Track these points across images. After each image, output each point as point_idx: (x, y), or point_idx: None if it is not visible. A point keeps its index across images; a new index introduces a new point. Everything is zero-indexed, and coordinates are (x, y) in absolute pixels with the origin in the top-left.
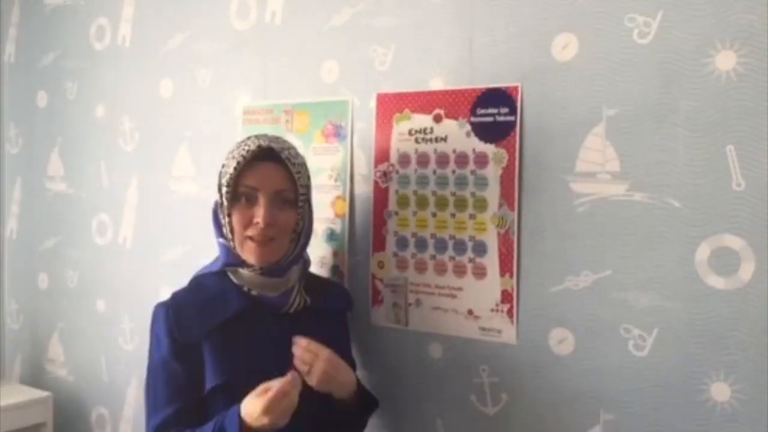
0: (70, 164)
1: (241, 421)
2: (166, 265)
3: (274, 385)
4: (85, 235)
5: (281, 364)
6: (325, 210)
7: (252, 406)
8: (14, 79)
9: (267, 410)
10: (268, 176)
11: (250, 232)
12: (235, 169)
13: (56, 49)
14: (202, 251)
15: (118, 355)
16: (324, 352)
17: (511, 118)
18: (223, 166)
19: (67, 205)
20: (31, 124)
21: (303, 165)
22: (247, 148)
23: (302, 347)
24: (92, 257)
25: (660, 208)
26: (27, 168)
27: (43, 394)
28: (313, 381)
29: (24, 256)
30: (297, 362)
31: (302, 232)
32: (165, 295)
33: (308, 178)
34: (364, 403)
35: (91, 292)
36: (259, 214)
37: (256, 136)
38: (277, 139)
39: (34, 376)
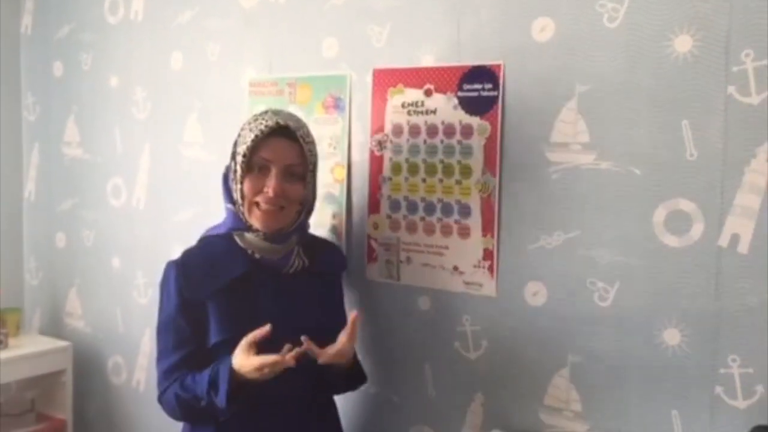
0: (86, 131)
1: (232, 370)
2: (177, 225)
3: (273, 357)
4: (101, 198)
5: (280, 320)
6: (326, 175)
7: (246, 362)
8: (31, 51)
9: (259, 370)
10: (282, 151)
11: (258, 199)
12: (253, 141)
13: (71, 22)
14: (211, 212)
15: (132, 308)
16: (338, 350)
17: (494, 93)
18: (239, 135)
19: (83, 170)
20: (48, 93)
21: (314, 144)
22: (265, 122)
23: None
24: (107, 218)
25: (623, 175)
26: (44, 134)
27: (63, 343)
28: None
29: (42, 217)
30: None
31: (307, 204)
32: (177, 253)
33: (316, 155)
34: (354, 374)
35: (107, 251)
36: (270, 185)
37: (274, 112)
38: (292, 116)
39: (53, 328)
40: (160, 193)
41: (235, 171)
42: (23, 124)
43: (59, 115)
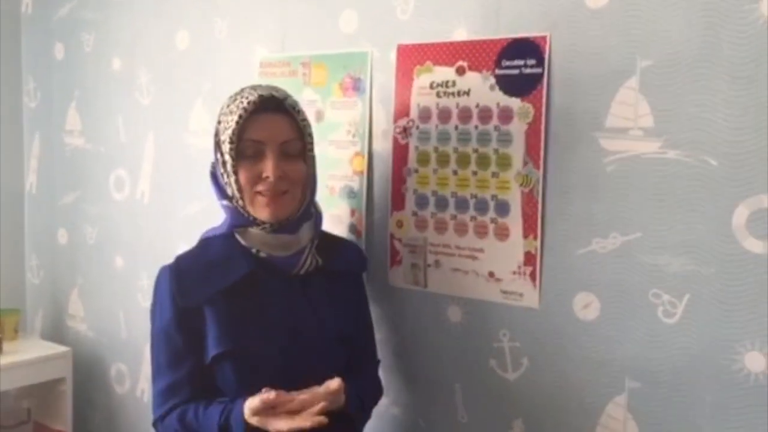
0: (88, 118)
1: (245, 424)
2: (183, 221)
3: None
4: (103, 191)
5: (291, 329)
6: (343, 167)
7: (261, 423)
8: (32, 31)
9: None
10: (273, 128)
11: (259, 188)
12: (237, 123)
13: None
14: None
15: (136, 311)
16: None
17: (538, 70)
18: (219, 122)
19: (85, 160)
20: (49, 77)
21: (305, 113)
22: (247, 99)
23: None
24: (110, 213)
25: (696, 166)
26: (45, 122)
27: (63, 349)
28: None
29: (44, 211)
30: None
31: (311, 183)
32: (182, 251)
33: (311, 126)
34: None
35: (110, 249)
36: (268, 169)
37: (252, 87)
38: (273, 87)
39: (55, 331)
40: (165, 186)
41: (224, 163)
42: (24, 112)
43: (61, 102)
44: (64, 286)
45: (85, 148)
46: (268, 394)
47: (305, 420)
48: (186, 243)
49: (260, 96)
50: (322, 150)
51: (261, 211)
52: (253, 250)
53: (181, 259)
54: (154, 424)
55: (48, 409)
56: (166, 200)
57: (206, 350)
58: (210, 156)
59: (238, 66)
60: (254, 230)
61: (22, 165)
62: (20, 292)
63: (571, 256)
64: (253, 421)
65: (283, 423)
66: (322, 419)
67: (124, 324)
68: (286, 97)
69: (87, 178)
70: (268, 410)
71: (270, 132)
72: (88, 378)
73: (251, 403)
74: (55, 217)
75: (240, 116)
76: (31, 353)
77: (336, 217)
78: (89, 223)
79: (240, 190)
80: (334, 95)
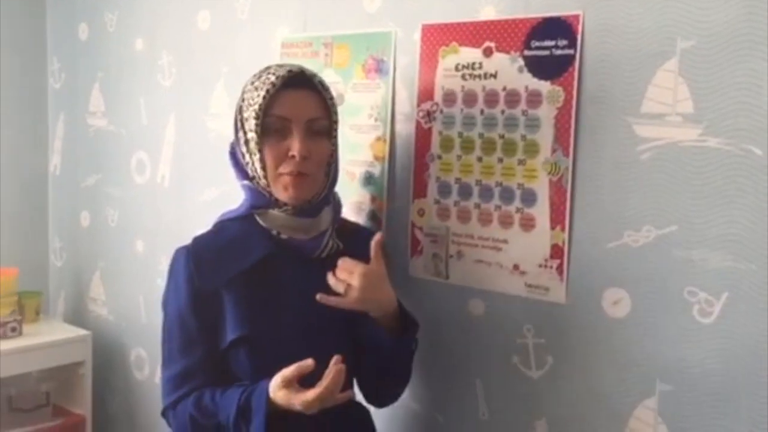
0: (111, 100)
1: (269, 399)
2: (203, 205)
3: (318, 389)
4: (125, 173)
5: (309, 311)
6: (364, 152)
7: (286, 398)
8: (56, 10)
9: (308, 407)
10: (300, 104)
11: (283, 170)
12: (264, 98)
13: None
14: (239, 193)
15: (156, 296)
16: (359, 268)
17: (570, 51)
18: (243, 100)
19: (108, 142)
20: (73, 57)
21: (332, 92)
22: (275, 74)
23: (338, 268)
24: (131, 196)
25: (738, 156)
26: (70, 103)
27: (83, 332)
28: (350, 300)
29: (67, 193)
30: (332, 283)
31: (334, 165)
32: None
33: (337, 106)
34: (405, 324)
35: (131, 232)
36: (295, 147)
37: (278, 65)
38: (301, 66)
39: (77, 314)
40: (185, 169)
41: (247, 141)
42: (49, 93)
43: (85, 83)
44: (86, 269)
45: (108, 129)
46: (305, 361)
47: (330, 383)
48: (205, 229)
49: (289, 71)
50: (342, 134)
51: (283, 192)
52: (274, 232)
53: (198, 241)
54: (164, 412)
55: (67, 392)
56: (186, 185)
57: (223, 334)
58: (229, 140)
59: (260, 47)
60: (275, 212)
61: (46, 146)
62: (43, 275)
63: (601, 249)
64: (279, 395)
65: (310, 392)
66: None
67: (144, 309)
68: (314, 74)
69: (109, 161)
70: (295, 384)
71: (297, 109)
72: (108, 362)
73: (285, 372)
74: (78, 199)
75: (267, 91)
76: (51, 336)
77: (356, 204)
78: (111, 206)
79: (264, 168)
80: (356, 77)
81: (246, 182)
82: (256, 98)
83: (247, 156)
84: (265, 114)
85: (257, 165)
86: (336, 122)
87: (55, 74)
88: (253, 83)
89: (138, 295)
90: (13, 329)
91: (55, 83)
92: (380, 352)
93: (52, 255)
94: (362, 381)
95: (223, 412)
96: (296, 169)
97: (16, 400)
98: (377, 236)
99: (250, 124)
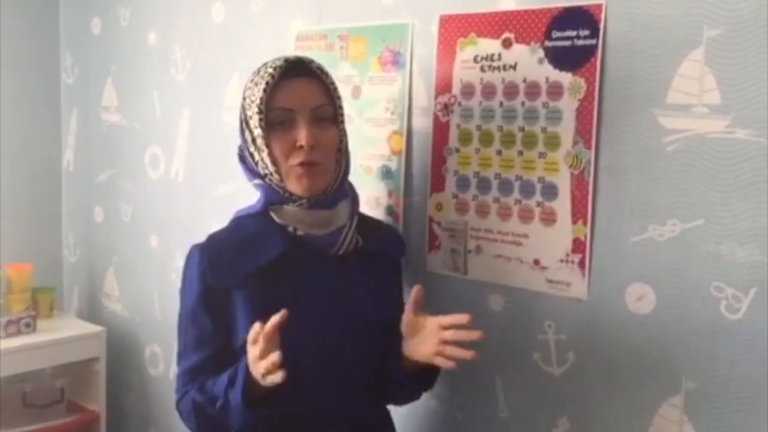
0: (124, 94)
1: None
2: (217, 200)
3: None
4: (139, 168)
5: (327, 311)
6: (380, 146)
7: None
8: (69, 5)
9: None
10: (302, 93)
11: (294, 161)
12: (264, 91)
13: None
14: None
15: (170, 292)
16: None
17: (592, 41)
18: (244, 98)
19: (121, 137)
20: (86, 52)
21: (332, 78)
22: (272, 66)
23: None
24: (145, 191)
25: (767, 147)
26: (83, 98)
27: (97, 328)
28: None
29: (80, 189)
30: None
31: (344, 151)
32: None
33: (339, 92)
34: (427, 374)
35: (145, 227)
36: (302, 137)
37: (275, 58)
38: (299, 55)
39: (91, 310)
40: (199, 164)
41: (254, 140)
42: (62, 88)
43: (98, 77)
44: (100, 264)
45: (121, 124)
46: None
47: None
48: (219, 224)
49: (286, 60)
50: (358, 127)
51: (297, 184)
52: (290, 228)
53: (213, 238)
54: (177, 405)
55: (81, 388)
56: (200, 180)
57: (236, 332)
58: None
59: (274, 40)
60: (290, 207)
61: (59, 142)
62: (57, 270)
63: (624, 243)
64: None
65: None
66: None
67: (158, 304)
68: (313, 61)
69: (123, 156)
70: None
71: (300, 98)
72: (122, 358)
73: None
74: (92, 194)
75: (267, 83)
76: (65, 332)
77: (372, 199)
78: (125, 201)
79: (274, 163)
80: (372, 70)
81: (258, 181)
82: (257, 93)
83: (256, 154)
84: (267, 108)
85: (267, 161)
86: (341, 107)
87: (68, 69)
88: (252, 80)
89: (152, 291)
90: (27, 325)
91: (68, 78)
92: (398, 382)
93: (65, 251)
94: (381, 385)
95: (219, 386)
96: (306, 158)
97: (31, 396)
98: (416, 288)
99: (255, 120)
